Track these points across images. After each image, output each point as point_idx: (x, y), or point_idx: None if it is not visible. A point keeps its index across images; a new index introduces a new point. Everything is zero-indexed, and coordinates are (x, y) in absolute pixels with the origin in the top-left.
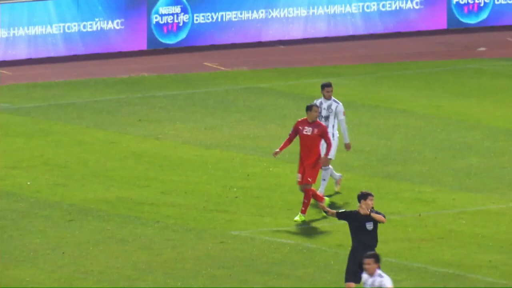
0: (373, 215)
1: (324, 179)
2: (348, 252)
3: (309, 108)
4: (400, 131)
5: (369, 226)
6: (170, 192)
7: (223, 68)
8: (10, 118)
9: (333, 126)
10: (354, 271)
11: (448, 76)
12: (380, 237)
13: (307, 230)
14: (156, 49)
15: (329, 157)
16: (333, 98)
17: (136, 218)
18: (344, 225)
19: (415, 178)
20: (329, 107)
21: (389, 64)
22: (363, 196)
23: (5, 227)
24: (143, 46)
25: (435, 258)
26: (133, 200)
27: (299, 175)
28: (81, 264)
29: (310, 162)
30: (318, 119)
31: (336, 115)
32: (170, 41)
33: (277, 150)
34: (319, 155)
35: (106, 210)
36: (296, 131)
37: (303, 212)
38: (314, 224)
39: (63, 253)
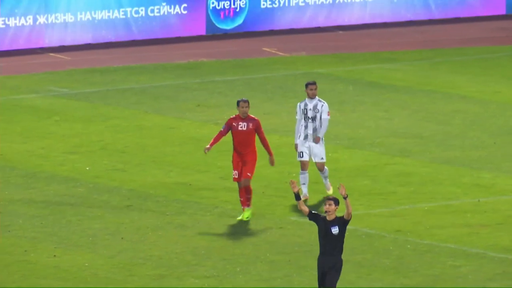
0: (348, 201)
1: (326, 176)
2: (406, 238)
3: (237, 104)
4: (458, 116)
5: (334, 230)
6: (229, 177)
7: (281, 54)
8: (69, 103)
9: (320, 127)
10: (320, 281)
11: (507, 62)
12: (438, 222)
13: (365, 215)
14: (215, 35)
15: (323, 160)
16: (317, 97)
17: (195, 204)
18: (403, 210)
19: (474, 164)
20: (315, 107)
21: (447, 49)
22: (324, 201)
23: (64, 212)
24: (202, 31)
25: (494, 243)
26: (192, 185)
27: (235, 172)
28: (140, 250)
29: (248, 158)
30: (304, 120)
31: (321, 114)
32: (227, 26)
33: (208, 146)
34: (255, 148)
35: (165, 195)
36: (229, 127)
37: (249, 205)
38: (372, 210)
39: (122, 238)
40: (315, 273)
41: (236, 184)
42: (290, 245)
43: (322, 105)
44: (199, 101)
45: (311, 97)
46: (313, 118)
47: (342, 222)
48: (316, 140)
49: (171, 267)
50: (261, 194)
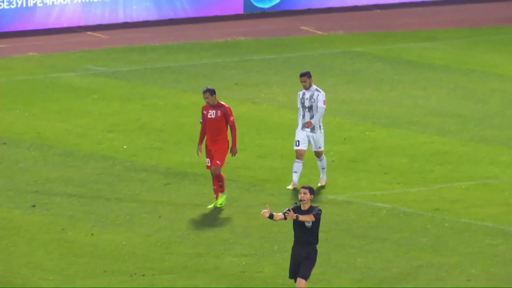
0: (301, 217)
1: (323, 167)
2: (444, 217)
3: (202, 93)
4: (496, 95)
5: (308, 223)
6: (266, 155)
7: (319, 32)
8: (107, 82)
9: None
10: (293, 269)
11: None
12: (476, 201)
13: (403, 194)
14: (252, 13)
15: (321, 149)
16: (315, 87)
17: (233, 182)
18: (441, 189)
19: None
20: (311, 97)
21: (486, 28)
22: (299, 190)
23: (102, 190)
24: (240, 10)
25: None
26: (229, 164)
27: (207, 159)
28: (177, 228)
29: (218, 146)
30: (302, 110)
31: (317, 103)
32: (265, 5)
33: (198, 149)
34: (226, 137)
35: (203, 174)
36: (203, 117)
37: (222, 191)
38: (410, 189)
39: (160, 216)
40: (352, 251)
41: (276, 163)
42: (327, 223)
43: (318, 95)
44: (236, 79)
45: (306, 88)
46: (310, 108)
47: (311, 211)
48: (307, 124)
49: (208, 245)
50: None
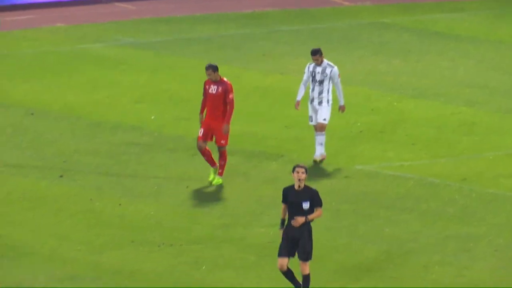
0: (310, 217)
1: (321, 143)
2: (471, 187)
3: (205, 69)
4: None
5: (305, 206)
6: (293, 126)
7: (347, 3)
8: (135, 53)
9: (328, 91)
10: (286, 247)
11: None
12: (503, 171)
13: (430, 165)
14: None
15: (325, 122)
16: (327, 61)
17: (260, 153)
18: (468, 159)
19: None
20: (323, 71)
21: None
22: (293, 169)
23: (129, 161)
24: None
25: None
26: (257, 134)
27: (201, 129)
28: (204, 199)
29: (218, 123)
30: (312, 83)
31: (331, 79)
32: None
33: (200, 115)
34: (225, 113)
35: (230, 144)
36: (205, 91)
37: (221, 174)
38: (437, 159)
39: (187, 187)
40: (380, 221)
41: (303, 133)
42: (355, 194)
43: (331, 70)
44: (264, 50)
45: (318, 65)
46: (321, 82)
47: (312, 197)
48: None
49: (235, 216)
50: (326, 144)
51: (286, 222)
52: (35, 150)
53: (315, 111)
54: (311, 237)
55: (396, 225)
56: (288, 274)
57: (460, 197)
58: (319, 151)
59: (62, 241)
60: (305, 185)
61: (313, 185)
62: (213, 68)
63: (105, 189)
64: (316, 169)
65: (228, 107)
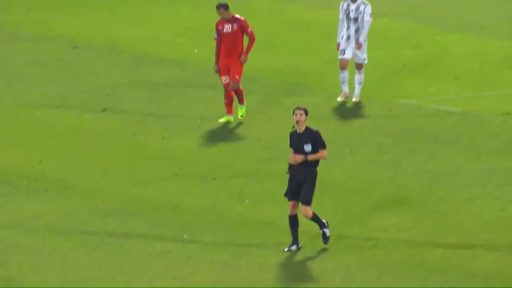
0: (311, 157)
1: (360, 82)
2: None
3: (216, 9)
4: None
5: (307, 148)
6: (335, 61)
7: None
8: None
9: (363, 29)
10: (291, 191)
11: None
12: None
13: (473, 98)
14: None
15: (365, 62)
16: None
17: (303, 86)
18: (511, 94)
19: None
20: (357, 8)
21: None
22: (293, 112)
23: (172, 95)
24: None
25: None
26: (300, 68)
27: (224, 77)
28: (248, 132)
29: (234, 60)
30: (346, 21)
31: (363, 16)
32: None
33: (215, 66)
34: (242, 50)
35: (273, 78)
36: (218, 33)
37: (242, 103)
38: (481, 93)
39: (230, 122)
40: (422, 155)
41: (338, 67)
42: (398, 128)
43: (365, 7)
44: None
45: (352, 2)
46: (355, 19)
47: (314, 139)
48: (358, 46)
49: (279, 149)
50: (369, 78)
51: None
52: (78, 84)
53: (351, 47)
54: (315, 182)
55: (438, 159)
56: (293, 221)
57: (503, 131)
58: (358, 90)
59: (105, 174)
60: (306, 127)
61: (356, 121)
62: (224, 7)
63: (148, 123)
64: (359, 104)
65: (250, 39)
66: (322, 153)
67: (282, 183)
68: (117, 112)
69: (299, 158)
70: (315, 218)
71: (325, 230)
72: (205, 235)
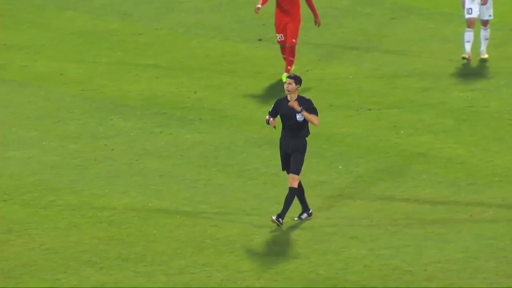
0: (305, 114)
1: (487, 38)
2: None
3: None
4: None
5: (299, 117)
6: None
7: None
8: None
9: None
10: (286, 163)
11: None
12: None
13: None
14: None
15: (490, 17)
16: None
17: (458, 16)
18: None
19: None
20: None
21: None
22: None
23: (328, 24)
24: None
25: None
26: None
27: (279, 35)
28: (403, 62)
29: (291, 18)
30: None
31: None
32: None
33: (258, 5)
34: (299, 7)
35: (428, 8)
36: None
37: (288, 71)
38: None
39: (387, 53)
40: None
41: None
42: None
43: None
44: None
45: None
46: None
47: (307, 108)
48: (483, 1)
49: (435, 79)
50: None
51: (280, 135)
52: (234, 13)
53: (477, 6)
54: (304, 153)
55: None
56: (299, 191)
57: None
58: (484, 45)
59: (261, 104)
60: (298, 96)
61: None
62: None
63: (302, 52)
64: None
65: (311, 2)
66: (315, 117)
67: (438, 114)
68: (273, 41)
69: (297, 107)
70: (299, 193)
71: (305, 214)
72: (360, 166)
